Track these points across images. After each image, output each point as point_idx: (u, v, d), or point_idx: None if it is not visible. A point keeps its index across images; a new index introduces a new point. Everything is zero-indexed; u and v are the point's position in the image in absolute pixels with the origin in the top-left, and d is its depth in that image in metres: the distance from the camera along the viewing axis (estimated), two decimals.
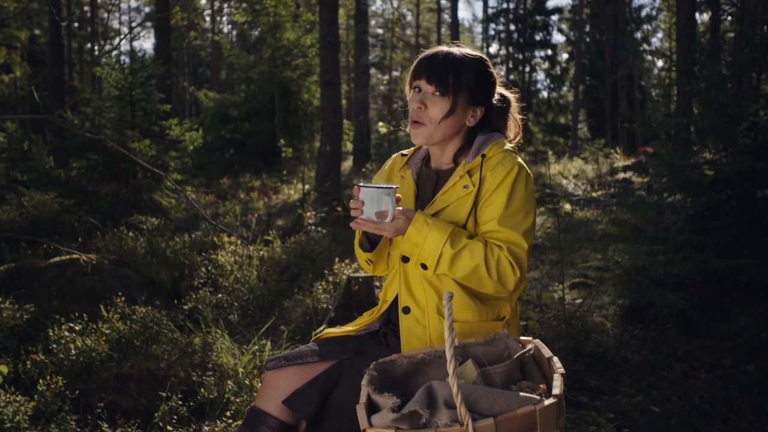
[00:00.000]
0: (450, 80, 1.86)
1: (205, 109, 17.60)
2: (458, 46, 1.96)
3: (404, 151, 2.12)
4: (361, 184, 1.86)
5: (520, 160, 1.88)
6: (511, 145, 1.95)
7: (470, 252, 1.78)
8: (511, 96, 2.06)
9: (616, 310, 4.55)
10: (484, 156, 1.88)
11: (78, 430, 2.90)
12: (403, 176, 2.05)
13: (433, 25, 36.19)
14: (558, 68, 33.03)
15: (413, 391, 1.47)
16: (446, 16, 34.07)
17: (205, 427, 3.00)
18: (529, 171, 1.89)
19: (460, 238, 1.80)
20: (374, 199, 1.80)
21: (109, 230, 6.56)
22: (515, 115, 2.06)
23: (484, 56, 1.97)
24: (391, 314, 2.01)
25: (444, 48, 1.94)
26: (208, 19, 36.95)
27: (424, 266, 1.87)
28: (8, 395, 2.97)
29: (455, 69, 1.87)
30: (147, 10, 38.60)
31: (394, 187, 1.83)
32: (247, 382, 3.24)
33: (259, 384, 3.16)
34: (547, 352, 1.60)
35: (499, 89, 2.02)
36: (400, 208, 1.85)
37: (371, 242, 2.03)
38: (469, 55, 1.92)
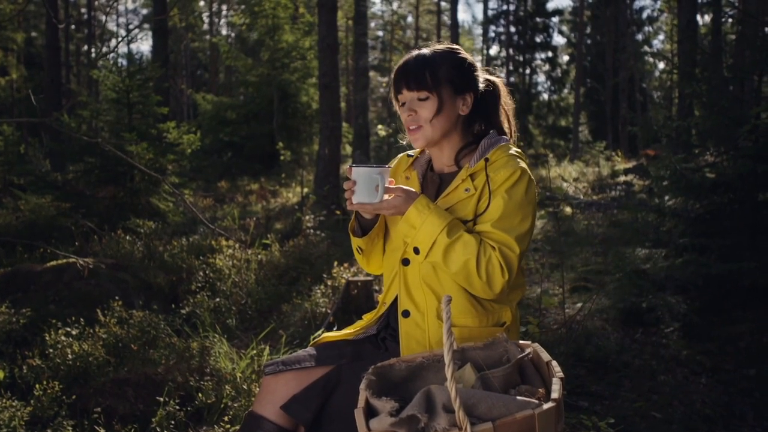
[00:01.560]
0: (428, 79, 1.87)
1: (202, 112, 17.57)
2: (427, 46, 1.97)
3: (410, 152, 2.12)
4: (354, 164, 1.85)
5: (523, 164, 1.86)
6: (517, 149, 1.93)
7: (464, 245, 1.76)
8: (497, 80, 2.04)
9: (617, 314, 4.54)
10: (487, 160, 1.86)
11: None
12: (408, 177, 2.04)
13: (433, 27, 36.24)
14: (559, 70, 33.02)
15: (412, 396, 1.46)
16: (446, 18, 34.11)
17: None
18: (532, 176, 1.88)
19: (457, 230, 1.79)
20: (367, 179, 1.79)
21: (106, 234, 6.54)
22: (505, 103, 2.05)
23: (454, 45, 1.98)
24: (390, 318, 2.00)
25: (413, 52, 1.96)
26: (206, 21, 36.96)
27: (416, 250, 1.85)
28: (4, 400, 2.95)
29: (429, 67, 1.88)
30: (144, 12, 38.57)
31: (387, 167, 1.83)
32: (245, 386, 3.22)
33: (257, 389, 3.14)
34: (545, 356, 1.59)
35: (484, 75, 2.00)
36: (404, 186, 1.84)
37: (363, 229, 2.02)
38: (438, 50, 1.94)
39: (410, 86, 1.88)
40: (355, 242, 2.03)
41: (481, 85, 1.97)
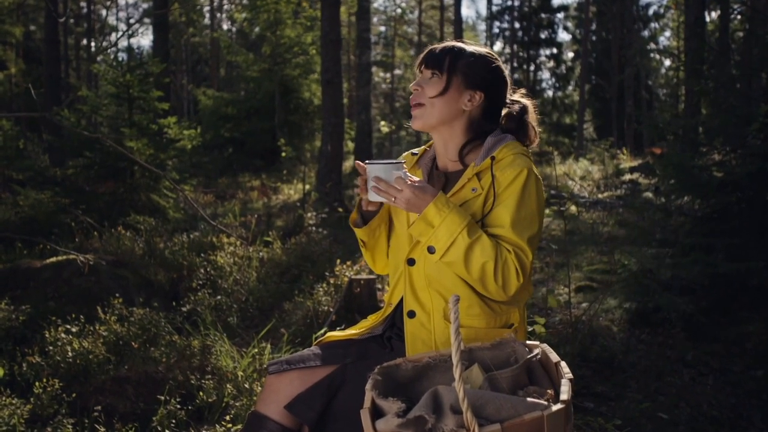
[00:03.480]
0: (445, 63, 1.89)
1: (203, 108, 17.51)
2: (469, 43, 1.97)
3: (414, 150, 2.10)
4: (367, 161, 1.82)
5: (530, 163, 1.83)
6: (523, 147, 1.89)
7: (482, 247, 1.73)
8: (527, 102, 2.03)
9: (623, 314, 4.51)
10: (493, 158, 1.84)
11: None
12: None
13: (437, 22, 36.11)
14: (563, 67, 32.94)
15: (418, 396, 1.44)
16: (450, 14, 33.98)
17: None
18: (539, 175, 1.85)
19: (476, 230, 1.76)
20: (385, 176, 1.77)
21: (106, 230, 6.51)
22: (532, 123, 2.02)
23: (493, 52, 1.98)
24: (396, 318, 1.98)
25: (452, 42, 1.96)
26: (207, 15, 36.83)
27: (431, 250, 1.80)
28: (4, 398, 2.94)
29: (452, 54, 1.90)
30: (145, 6, 38.40)
31: (403, 162, 1.80)
32: (246, 385, 3.20)
33: (259, 388, 3.11)
34: (554, 356, 1.57)
35: (514, 96, 2.02)
36: (419, 181, 1.80)
37: (365, 220, 2.01)
38: (475, 47, 1.95)
39: (427, 64, 1.91)
40: (358, 234, 2.02)
41: (508, 102, 1.99)
